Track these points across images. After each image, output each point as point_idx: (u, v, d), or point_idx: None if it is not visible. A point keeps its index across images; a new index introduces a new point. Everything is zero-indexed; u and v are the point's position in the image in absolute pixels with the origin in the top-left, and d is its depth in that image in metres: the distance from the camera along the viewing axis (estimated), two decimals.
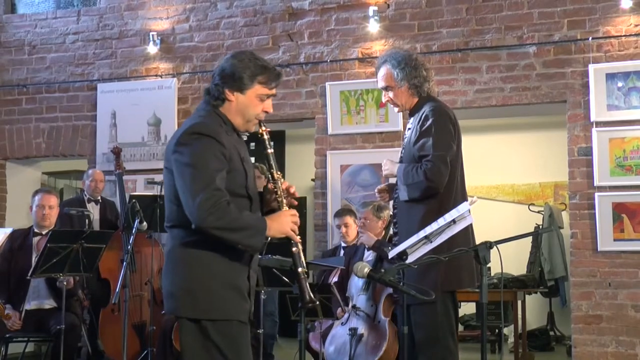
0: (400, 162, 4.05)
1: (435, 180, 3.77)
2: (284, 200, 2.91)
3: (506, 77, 6.44)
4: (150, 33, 7.43)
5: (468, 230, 3.78)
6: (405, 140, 4.09)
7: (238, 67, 2.85)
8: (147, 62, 7.53)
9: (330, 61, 6.92)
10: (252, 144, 10.39)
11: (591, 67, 6.18)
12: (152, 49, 7.45)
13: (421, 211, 3.82)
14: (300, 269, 2.87)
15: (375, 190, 4.25)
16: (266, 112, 2.92)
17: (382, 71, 4.04)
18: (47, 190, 6.07)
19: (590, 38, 6.22)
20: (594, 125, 6.16)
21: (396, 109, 4.15)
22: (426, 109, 3.92)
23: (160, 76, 7.45)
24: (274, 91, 2.92)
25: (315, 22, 7.04)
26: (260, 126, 2.95)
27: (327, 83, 6.88)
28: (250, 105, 2.87)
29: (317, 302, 2.94)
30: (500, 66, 6.46)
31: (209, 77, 7.25)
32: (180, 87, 7.38)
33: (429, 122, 3.84)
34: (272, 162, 2.93)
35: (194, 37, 7.41)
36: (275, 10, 7.16)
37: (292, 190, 2.95)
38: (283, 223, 2.85)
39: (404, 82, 3.96)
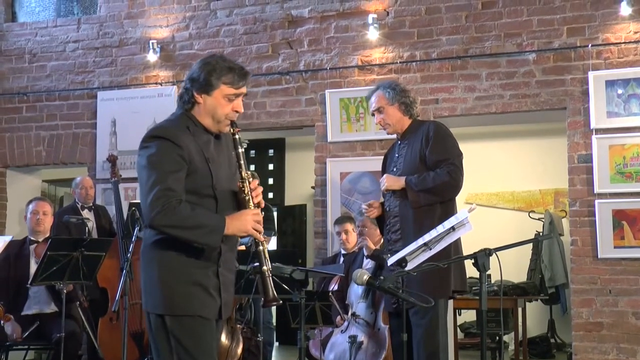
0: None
1: (459, 180, 4.10)
2: (251, 200, 2.97)
3: (506, 84, 6.44)
4: (150, 41, 7.44)
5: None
6: (401, 159, 4.30)
7: (204, 70, 2.94)
8: (147, 70, 7.54)
9: (329, 69, 6.92)
10: (253, 152, 10.44)
11: (591, 74, 6.17)
12: (152, 57, 7.45)
13: (432, 217, 4.00)
14: (264, 267, 2.94)
15: (363, 206, 4.42)
16: (236, 111, 2.99)
17: (374, 96, 4.37)
18: (40, 198, 6.16)
19: (589, 45, 6.22)
20: (594, 132, 6.16)
21: (387, 130, 4.40)
22: (429, 126, 4.26)
23: (160, 84, 7.46)
24: (242, 90, 2.98)
25: (315, 30, 7.05)
26: (232, 127, 3.01)
27: (326, 90, 6.88)
28: (218, 106, 2.95)
29: (280, 302, 3.00)
30: (499, 73, 6.46)
31: None
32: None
33: (439, 134, 4.18)
34: (242, 162, 3.00)
35: (194, 45, 7.42)
36: (275, 18, 7.17)
37: (256, 192, 3.00)
38: (244, 221, 2.91)
39: (395, 100, 4.28)
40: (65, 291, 5.20)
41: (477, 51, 6.54)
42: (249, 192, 2.97)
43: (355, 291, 5.29)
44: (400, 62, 6.72)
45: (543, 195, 8.96)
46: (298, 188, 9.53)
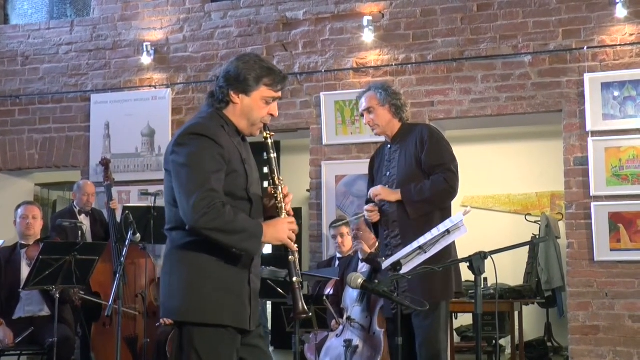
0: (392, 187, 4.26)
1: (455, 186, 4.12)
2: (284, 207, 2.89)
3: (501, 86, 6.45)
4: (144, 43, 7.44)
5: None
6: (394, 163, 4.30)
7: (243, 69, 2.85)
8: (141, 72, 7.54)
9: (324, 71, 6.93)
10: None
11: (587, 77, 6.19)
12: (146, 59, 7.45)
13: (431, 222, 3.98)
14: (295, 279, 2.86)
15: (367, 210, 4.37)
16: (272, 115, 2.91)
17: (365, 96, 4.37)
18: (29, 202, 6.16)
19: (585, 47, 6.24)
20: (590, 135, 6.17)
21: (375, 131, 4.41)
22: (422, 129, 4.27)
23: (154, 87, 7.46)
24: (279, 94, 2.91)
25: (310, 32, 7.05)
26: (265, 130, 2.93)
27: (321, 93, 6.89)
28: (255, 108, 2.87)
29: (310, 314, 2.89)
30: (495, 76, 6.47)
31: (204, 88, 7.41)
32: (174, 98, 7.39)
33: (434, 138, 4.19)
34: (274, 167, 2.91)
35: (188, 47, 7.42)
36: (269, 20, 7.18)
37: (289, 199, 2.93)
38: (280, 230, 2.84)
39: (385, 102, 4.29)
40: (57, 296, 5.20)
41: (473, 53, 6.55)
42: (282, 200, 2.90)
43: (351, 295, 5.29)
44: (395, 65, 6.73)
45: (539, 198, 8.97)
46: (293, 191, 9.43)
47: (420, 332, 4.10)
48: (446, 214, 4.16)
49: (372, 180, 4.53)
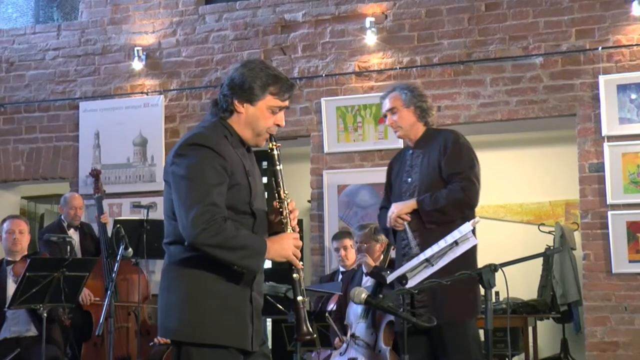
0: (413, 194, 4.23)
1: (473, 196, 4.09)
2: (290, 222, 2.89)
3: (511, 90, 6.47)
4: (135, 48, 7.47)
5: (474, 252, 3.98)
6: (415, 169, 4.26)
7: (248, 77, 2.84)
8: (132, 78, 7.57)
9: (325, 75, 6.95)
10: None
11: (601, 78, 6.21)
12: (137, 64, 7.48)
13: (453, 229, 3.92)
14: (299, 298, 2.86)
15: (394, 217, 4.27)
16: (278, 125, 2.91)
17: (390, 96, 4.34)
18: (15, 216, 6.16)
19: (599, 48, 6.26)
20: (606, 140, 6.18)
21: (397, 133, 4.38)
22: (447, 135, 4.26)
23: (146, 93, 7.48)
24: (286, 103, 2.91)
25: (309, 35, 7.08)
26: (271, 141, 2.93)
27: (322, 99, 6.91)
28: (261, 118, 2.87)
29: (315, 335, 2.89)
30: (505, 78, 6.49)
31: (198, 94, 7.42)
32: (167, 105, 7.41)
33: (457, 144, 4.18)
34: (280, 180, 2.91)
35: (182, 51, 7.45)
36: (267, 22, 7.21)
37: (294, 214, 2.94)
38: (285, 246, 2.83)
39: (410, 104, 4.26)
40: (45, 315, 5.20)
41: (481, 55, 6.57)
42: (288, 215, 2.89)
43: (354, 311, 5.29)
44: (399, 68, 6.75)
45: (553, 207, 8.96)
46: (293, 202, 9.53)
47: (452, 352, 4.04)
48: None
49: (389, 186, 4.50)
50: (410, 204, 4.19)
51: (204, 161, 2.73)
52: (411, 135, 4.35)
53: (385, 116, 4.42)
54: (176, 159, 2.77)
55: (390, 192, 4.48)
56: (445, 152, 4.19)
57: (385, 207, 4.47)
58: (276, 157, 2.93)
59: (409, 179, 4.31)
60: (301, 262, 2.91)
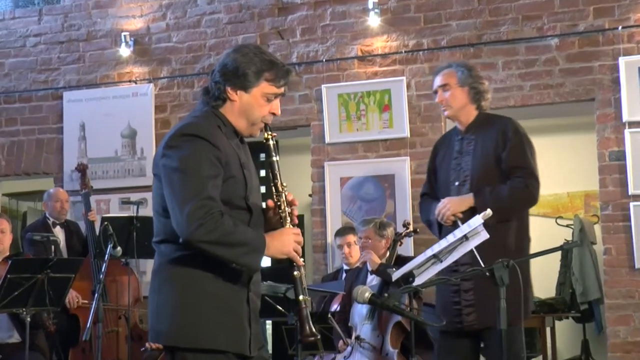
0: (463, 184, 4.19)
1: (537, 194, 4.09)
2: (288, 216, 2.89)
3: (525, 73, 6.46)
4: (122, 33, 7.47)
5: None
6: (467, 157, 4.22)
7: (242, 63, 2.84)
8: (120, 66, 7.57)
9: (326, 61, 6.95)
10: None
11: (622, 60, 6.20)
12: (125, 51, 7.48)
13: (510, 229, 4.02)
14: (301, 297, 2.86)
15: (452, 214, 4.16)
16: (274, 114, 2.92)
17: (444, 72, 4.31)
18: None
19: (620, 27, 6.26)
20: (627, 126, 6.18)
21: (446, 113, 4.32)
22: (506, 123, 4.22)
23: (135, 82, 7.48)
24: (282, 90, 2.92)
25: (309, 17, 7.08)
26: (266, 130, 2.94)
27: (323, 85, 6.91)
28: (255, 106, 2.87)
29: (319, 336, 2.90)
30: (518, 62, 6.49)
31: (190, 82, 7.42)
32: (157, 94, 7.41)
33: (519, 135, 4.15)
34: (277, 172, 2.92)
35: (172, 37, 7.45)
36: (262, 4, 7.20)
37: (294, 206, 2.94)
38: (285, 242, 2.84)
39: (465, 84, 4.24)
40: (28, 319, 5.21)
41: (492, 37, 6.57)
42: (286, 208, 2.90)
43: (359, 311, 5.30)
44: (405, 52, 6.75)
45: (571, 198, 8.97)
46: (293, 196, 9.53)
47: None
48: (524, 222, 4.15)
49: (432, 172, 4.43)
50: (467, 201, 4.10)
51: (197, 152, 2.73)
52: (461, 117, 4.29)
53: (435, 92, 4.35)
54: (167, 151, 2.77)
55: (434, 178, 4.40)
56: (505, 141, 4.13)
57: (427, 194, 4.41)
58: (272, 147, 2.94)
59: (459, 167, 4.25)
60: (302, 259, 2.91)
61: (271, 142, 2.94)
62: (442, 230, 4.16)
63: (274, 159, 2.93)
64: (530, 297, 4.14)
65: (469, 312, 4.02)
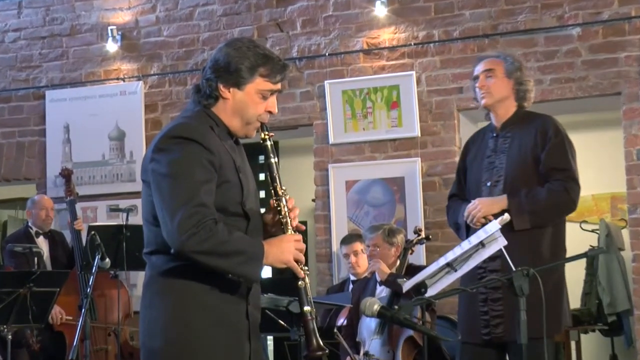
0: (496, 184, 4.18)
1: (577, 200, 4.13)
2: (289, 222, 2.90)
3: (545, 66, 6.46)
4: (109, 27, 7.49)
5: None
6: (502, 156, 4.21)
7: (234, 57, 2.85)
8: (106, 62, 7.58)
9: (329, 55, 6.96)
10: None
11: None
12: (112, 46, 7.50)
13: (544, 236, 4.03)
14: (306, 308, 2.86)
15: (483, 215, 4.14)
16: (270, 112, 2.93)
17: (490, 59, 4.34)
18: None
19: None
20: None
21: (483, 101, 4.28)
22: (546, 121, 4.23)
23: (123, 79, 7.50)
24: (279, 86, 2.92)
25: (310, 8, 7.08)
26: (262, 130, 2.95)
27: (326, 81, 6.92)
28: (250, 104, 2.88)
29: (327, 350, 2.89)
30: (537, 53, 6.49)
31: (182, 79, 7.43)
32: (147, 92, 7.43)
33: (560, 135, 4.16)
34: (276, 174, 2.93)
35: (163, 30, 7.46)
36: None
37: (295, 213, 2.95)
38: (285, 250, 2.84)
39: (512, 76, 4.25)
40: (10, 337, 5.21)
41: (509, 27, 6.57)
42: (287, 213, 2.90)
43: (368, 325, 5.30)
44: (414, 44, 6.75)
45: (597, 201, 8.96)
46: (295, 201, 9.55)
47: None
48: (561, 228, 4.15)
49: (462, 171, 4.42)
50: (501, 202, 4.08)
51: (188, 156, 2.73)
52: (499, 109, 4.28)
53: (476, 78, 4.32)
54: (156, 155, 2.77)
55: (464, 178, 4.40)
56: (545, 141, 4.13)
57: (455, 196, 4.41)
58: (270, 148, 2.95)
59: (492, 166, 4.25)
60: (306, 267, 2.90)
61: (269, 143, 2.95)
62: (470, 234, 4.09)
63: (273, 160, 2.94)
64: (566, 309, 4.12)
65: (497, 323, 4.02)
